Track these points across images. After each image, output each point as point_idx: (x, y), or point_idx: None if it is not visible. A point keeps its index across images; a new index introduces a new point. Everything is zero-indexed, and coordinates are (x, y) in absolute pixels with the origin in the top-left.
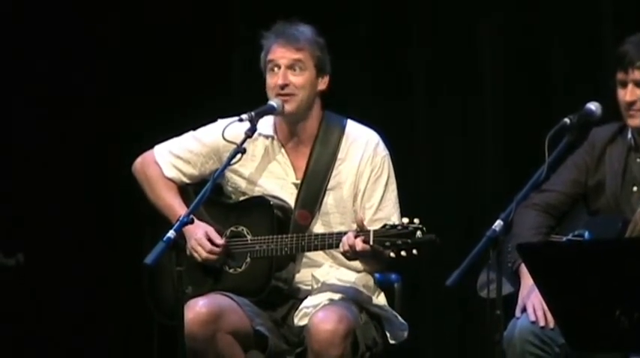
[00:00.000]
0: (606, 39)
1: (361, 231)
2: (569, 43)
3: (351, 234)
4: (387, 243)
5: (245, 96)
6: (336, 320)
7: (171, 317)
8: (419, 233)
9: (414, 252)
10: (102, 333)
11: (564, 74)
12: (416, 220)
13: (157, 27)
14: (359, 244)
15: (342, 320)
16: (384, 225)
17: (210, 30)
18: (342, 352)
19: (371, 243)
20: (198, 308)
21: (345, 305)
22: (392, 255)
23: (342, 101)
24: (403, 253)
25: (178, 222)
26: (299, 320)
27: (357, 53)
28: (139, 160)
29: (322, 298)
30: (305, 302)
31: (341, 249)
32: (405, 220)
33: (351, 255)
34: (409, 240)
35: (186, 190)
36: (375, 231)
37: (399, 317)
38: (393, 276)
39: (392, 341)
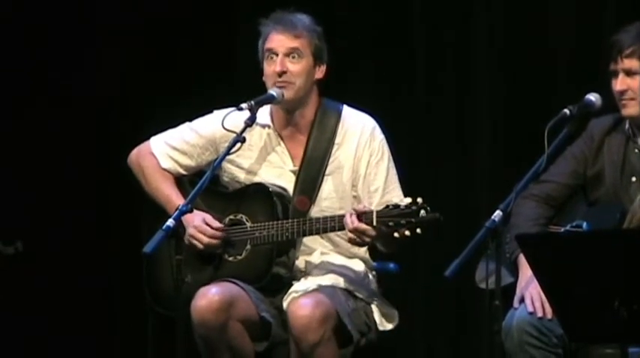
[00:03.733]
0: (608, 29)
1: (362, 214)
2: (570, 34)
3: (354, 217)
4: (391, 223)
5: (249, 84)
6: (312, 305)
7: (170, 306)
8: (422, 212)
9: (418, 231)
10: (100, 322)
11: (565, 65)
12: (419, 199)
13: (158, 14)
14: (362, 226)
15: (319, 305)
16: (387, 206)
17: (213, 18)
18: (320, 336)
19: (374, 223)
20: (210, 295)
21: (327, 291)
22: (395, 235)
23: (340, 88)
24: (407, 233)
25: (177, 211)
26: (287, 304)
27: (359, 41)
28: (134, 152)
29: (311, 283)
30: (294, 287)
31: (348, 235)
32: (408, 200)
33: (358, 238)
34: (413, 219)
35: (182, 181)
36: (378, 211)
37: (389, 304)
38: (392, 265)
39: (381, 328)
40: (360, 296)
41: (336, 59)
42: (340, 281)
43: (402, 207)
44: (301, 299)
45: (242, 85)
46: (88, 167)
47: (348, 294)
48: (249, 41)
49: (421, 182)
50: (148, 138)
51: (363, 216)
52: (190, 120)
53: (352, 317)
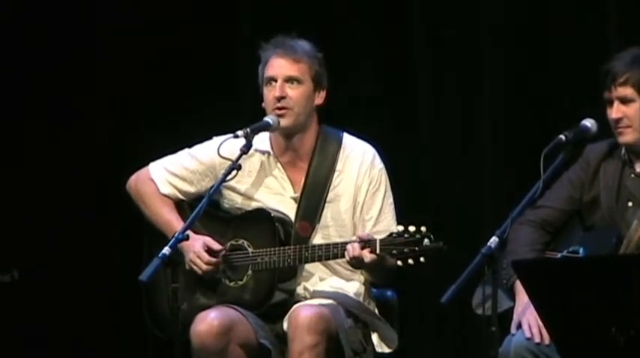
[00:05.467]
0: (610, 45)
1: (366, 242)
2: (572, 50)
3: (356, 245)
4: (394, 252)
5: (252, 105)
6: (314, 309)
7: (168, 331)
8: (426, 240)
9: (422, 259)
10: (99, 348)
11: (566, 85)
12: (423, 228)
13: (157, 29)
14: (366, 255)
15: (322, 315)
16: (391, 234)
17: (214, 34)
18: (314, 341)
19: (377, 251)
20: (210, 319)
21: (329, 306)
22: (399, 263)
23: (340, 88)
24: (410, 261)
25: (173, 239)
26: (287, 316)
27: (359, 40)
28: (133, 178)
29: (311, 303)
30: (294, 307)
31: (347, 258)
32: (412, 228)
33: (357, 263)
34: (416, 248)
35: (181, 205)
36: (381, 239)
37: (389, 326)
38: (389, 293)
39: (379, 350)
40: (360, 317)
41: (336, 59)
42: (340, 301)
43: (405, 235)
44: (305, 305)
45: (242, 85)
46: (86, 192)
47: (348, 313)
48: (250, 44)
49: (422, 206)
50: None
51: (366, 244)
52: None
53: (348, 334)
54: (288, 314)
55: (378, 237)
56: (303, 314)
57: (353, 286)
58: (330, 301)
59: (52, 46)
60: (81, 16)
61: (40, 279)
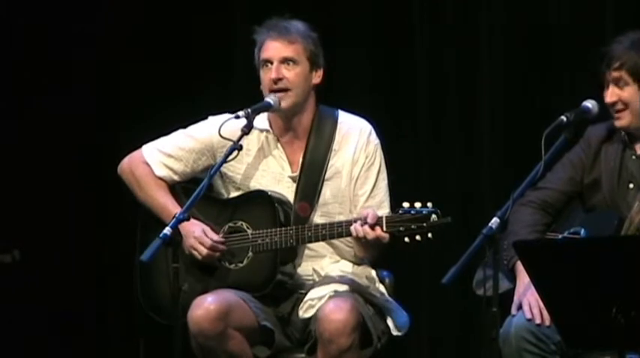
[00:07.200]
0: (608, 35)
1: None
2: (570, 40)
3: (364, 225)
4: (401, 228)
5: (246, 88)
6: (348, 309)
7: (167, 315)
8: (434, 216)
9: (430, 235)
10: (98, 329)
11: (565, 70)
12: (429, 204)
13: (157, 14)
14: (373, 232)
15: (353, 310)
16: (397, 210)
17: (210, 21)
18: (351, 342)
19: (384, 228)
20: (206, 304)
21: (353, 296)
22: (406, 239)
23: (340, 95)
24: (418, 237)
25: (174, 219)
26: (304, 312)
27: (359, 45)
28: (125, 161)
29: (326, 290)
30: (309, 295)
31: (354, 235)
32: (418, 204)
33: (365, 242)
34: (424, 224)
35: (175, 189)
36: (387, 216)
37: (401, 310)
38: (384, 273)
39: (395, 333)
40: (374, 301)
41: (333, 52)
42: (356, 287)
43: (412, 211)
44: (335, 303)
45: (242, 85)
46: (85, 173)
47: (365, 299)
48: (246, 41)
49: (423, 188)
50: (147, 138)
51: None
52: (188, 120)
53: (373, 320)
54: (318, 312)
55: (384, 214)
56: (335, 317)
57: (364, 270)
58: (343, 288)
59: (52, 45)
60: (81, 16)
61: (40, 279)
